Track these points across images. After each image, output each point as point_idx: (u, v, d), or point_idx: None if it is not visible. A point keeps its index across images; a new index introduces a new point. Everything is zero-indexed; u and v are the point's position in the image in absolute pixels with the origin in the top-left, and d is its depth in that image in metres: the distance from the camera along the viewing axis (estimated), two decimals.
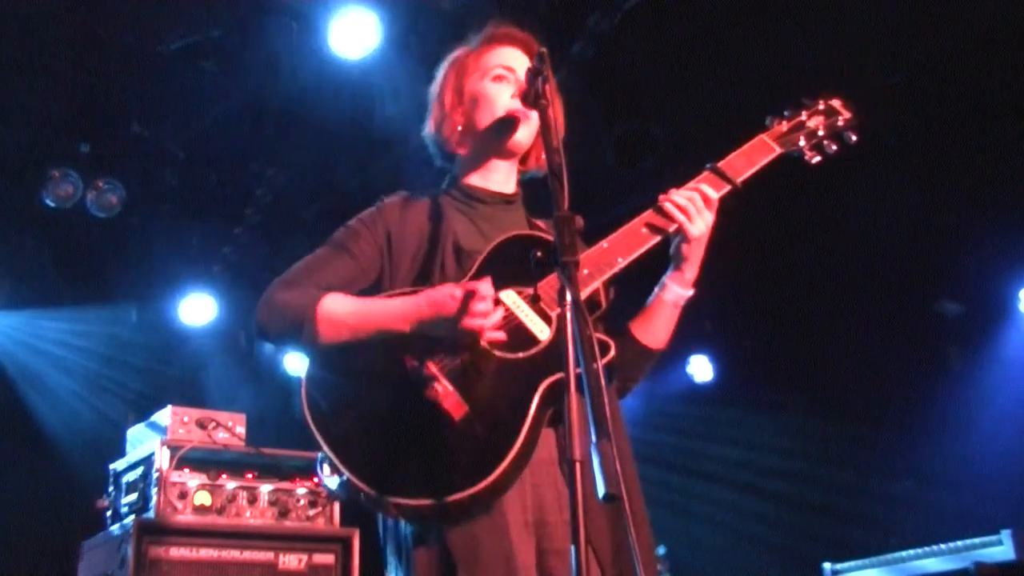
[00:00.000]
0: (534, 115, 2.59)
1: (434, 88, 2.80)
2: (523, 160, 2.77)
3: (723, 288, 6.74)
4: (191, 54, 5.59)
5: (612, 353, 2.41)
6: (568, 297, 1.97)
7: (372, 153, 6.43)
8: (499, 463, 2.21)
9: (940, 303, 7.07)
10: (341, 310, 2.40)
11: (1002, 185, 5.95)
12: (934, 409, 6.75)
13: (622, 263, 2.49)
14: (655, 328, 2.63)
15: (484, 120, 2.66)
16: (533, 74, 2.33)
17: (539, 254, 2.36)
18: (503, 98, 2.64)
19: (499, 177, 2.72)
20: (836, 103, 2.85)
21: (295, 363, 8.30)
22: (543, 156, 2.52)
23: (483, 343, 2.32)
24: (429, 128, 2.77)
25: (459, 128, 2.68)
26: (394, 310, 2.38)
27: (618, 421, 2.47)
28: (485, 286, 2.30)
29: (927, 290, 6.99)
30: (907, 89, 5.49)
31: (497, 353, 2.34)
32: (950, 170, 5.99)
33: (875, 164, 5.79)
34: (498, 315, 2.32)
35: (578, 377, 1.89)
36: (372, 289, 2.52)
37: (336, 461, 2.26)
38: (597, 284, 2.47)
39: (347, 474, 2.24)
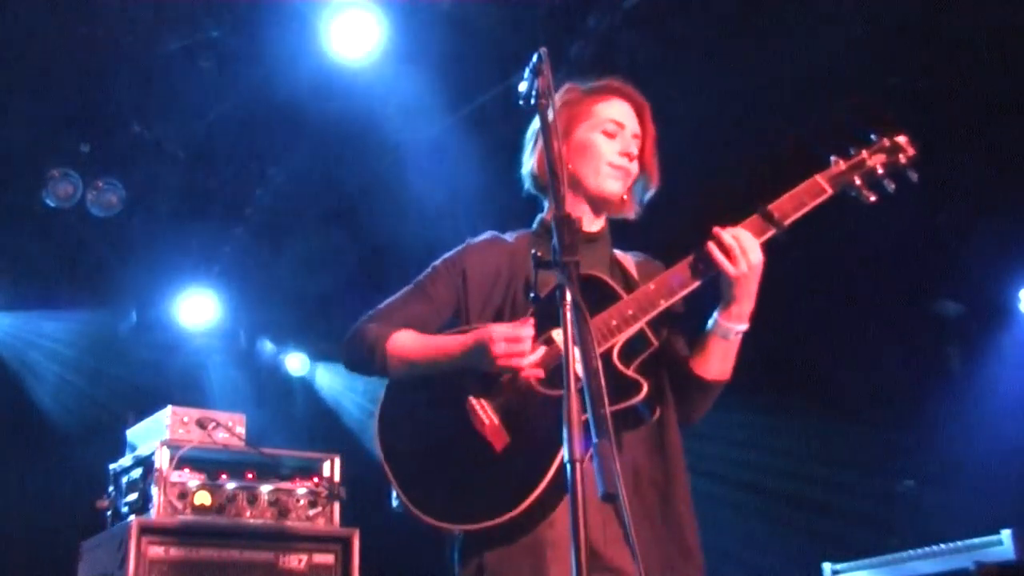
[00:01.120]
0: (635, 171, 2.81)
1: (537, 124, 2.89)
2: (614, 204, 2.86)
3: None
4: (191, 54, 5.59)
5: (644, 393, 2.51)
6: (568, 297, 2.02)
7: (372, 153, 6.43)
8: (531, 492, 2.40)
9: (940, 303, 7.06)
10: (407, 344, 2.67)
11: (1002, 185, 5.94)
12: (934, 409, 6.73)
13: (663, 305, 2.59)
14: (712, 362, 2.72)
15: (585, 169, 2.77)
16: (533, 73, 2.34)
17: (539, 253, 2.37)
18: (610, 154, 2.77)
19: (586, 217, 2.80)
20: (901, 139, 2.71)
21: (295, 364, 8.36)
22: (635, 202, 2.84)
23: (524, 378, 2.49)
24: (531, 165, 2.87)
25: (568, 167, 2.75)
26: (447, 346, 2.62)
27: (676, 453, 2.80)
28: (525, 328, 2.48)
29: (927, 290, 6.98)
30: (906, 89, 5.48)
31: (541, 389, 2.50)
32: (950, 170, 5.98)
33: None
34: (537, 355, 2.49)
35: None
36: (450, 324, 2.76)
37: (396, 488, 2.55)
38: (641, 325, 2.57)
39: (405, 502, 2.53)
